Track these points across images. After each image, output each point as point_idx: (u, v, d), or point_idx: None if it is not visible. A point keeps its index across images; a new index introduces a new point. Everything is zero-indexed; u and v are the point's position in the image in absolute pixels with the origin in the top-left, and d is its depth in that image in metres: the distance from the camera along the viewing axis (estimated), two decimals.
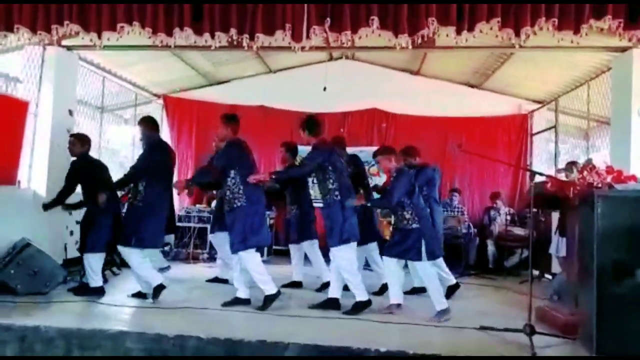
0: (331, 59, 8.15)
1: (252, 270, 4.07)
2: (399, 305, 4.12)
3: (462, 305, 4.41)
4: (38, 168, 5.27)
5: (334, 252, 4.08)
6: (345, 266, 4.07)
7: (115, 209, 4.60)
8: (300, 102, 7.80)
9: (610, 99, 5.49)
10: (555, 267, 5.69)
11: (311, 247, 5.14)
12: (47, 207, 4.67)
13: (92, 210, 4.48)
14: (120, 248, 4.25)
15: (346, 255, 4.06)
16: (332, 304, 4.11)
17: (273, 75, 8.33)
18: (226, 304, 4.09)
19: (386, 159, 4.23)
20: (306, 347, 3.09)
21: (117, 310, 3.90)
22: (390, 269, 4.18)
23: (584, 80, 6.35)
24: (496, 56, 6.55)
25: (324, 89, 7.05)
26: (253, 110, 7.98)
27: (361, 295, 4.04)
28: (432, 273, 4.11)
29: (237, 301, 4.13)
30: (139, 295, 4.32)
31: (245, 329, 3.40)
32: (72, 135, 4.81)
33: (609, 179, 3.40)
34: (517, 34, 3.72)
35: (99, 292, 4.35)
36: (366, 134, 8.08)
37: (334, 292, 4.17)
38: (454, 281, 4.83)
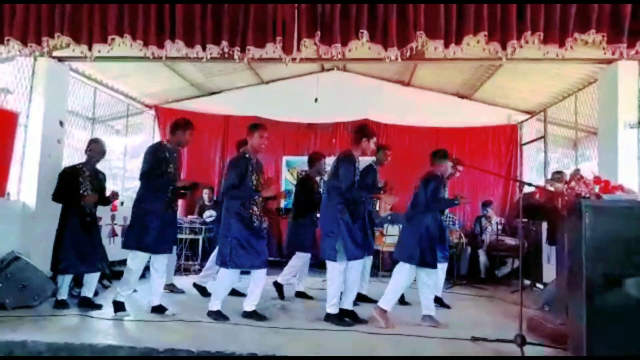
0: (323, 70, 8.21)
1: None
2: (385, 311, 4.10)
3: (454, 316, 4.42)
4: (28, 180, 5.22)
5: (329, 263, 4.11)
6: (332, 279, 4.09)
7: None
8: (292, 112, 7.86)
9: (597, 110, 5.57)
10: (547, 276, 5.71)
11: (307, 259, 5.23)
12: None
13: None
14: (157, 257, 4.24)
15: (338, 271, 4.06)
16: (348, 316, 4.10)
17: (265, 86, 8.36)
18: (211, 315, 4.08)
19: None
20: None
21: (107, 324, 3.86)
22: (399, 273, 4.19)
23: (571, 91, 6.45)
24: (485, 68, 6.63)
25: (316, 100, 7.11)
26: (246, 120, 7.95)
27: (332, 310, 4.07)
28: (426, 280, 4.18)
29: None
30: (159, 309, 4.23)
31: (236, 342, 3.38)
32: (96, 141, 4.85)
33: (596, 189, 3.43)
34: (504, 47, 3.76)
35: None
36: None
37: (346, 303, 4.17)
38: (439, 294, 4.88)
